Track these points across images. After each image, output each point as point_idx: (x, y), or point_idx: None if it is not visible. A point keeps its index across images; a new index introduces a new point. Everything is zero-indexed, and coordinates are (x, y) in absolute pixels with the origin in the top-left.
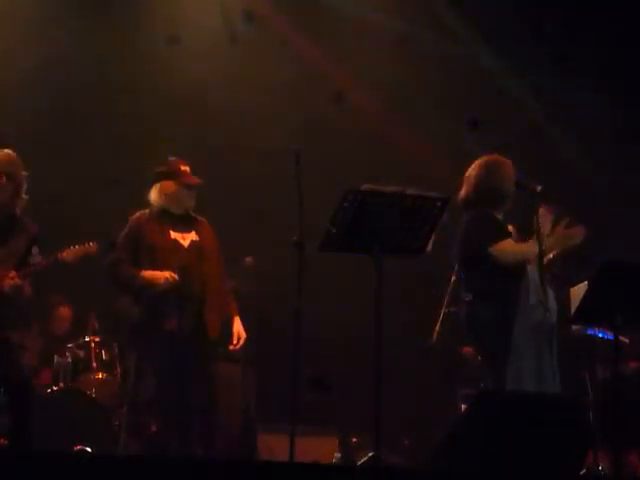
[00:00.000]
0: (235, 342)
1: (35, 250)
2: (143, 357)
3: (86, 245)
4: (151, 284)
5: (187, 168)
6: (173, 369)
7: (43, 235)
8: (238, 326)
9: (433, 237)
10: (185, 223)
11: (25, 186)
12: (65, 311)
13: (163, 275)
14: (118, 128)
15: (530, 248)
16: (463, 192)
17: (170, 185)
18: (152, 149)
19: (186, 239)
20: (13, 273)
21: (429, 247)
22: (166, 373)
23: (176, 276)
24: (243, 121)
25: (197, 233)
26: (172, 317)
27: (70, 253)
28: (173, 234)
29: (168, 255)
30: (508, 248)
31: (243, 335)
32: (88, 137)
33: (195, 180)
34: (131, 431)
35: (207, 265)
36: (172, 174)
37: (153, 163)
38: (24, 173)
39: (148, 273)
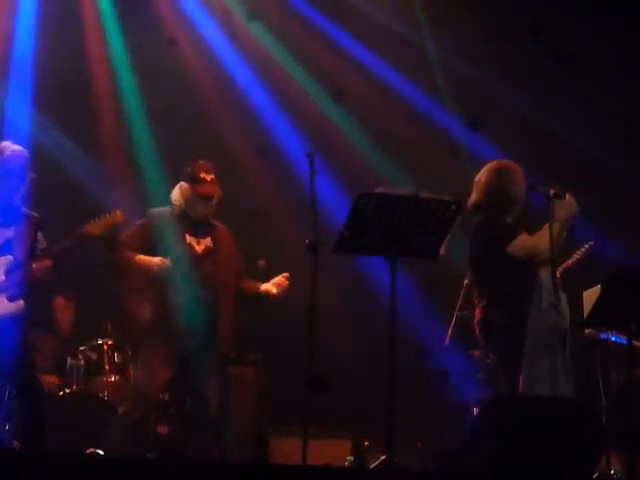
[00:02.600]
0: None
1: (40, 236)
2: (152, 357)
3: (110, 215)
4: (144, 268)
5: (208, 176)
6: (183, 372)
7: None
8: (264, 286)
9: (446, 240)
10: (202, 228)
11: (27, 185)
12: (60, 301)
13: (155, 261)
14: (118, 128)
15: (544, 235)
16: (473, 197)
17: (187, 189)
18: (153, 150)
19: (201, 245)
20: (45, 260)
21: (442, 250)
22: (176, 375)
23: (167, 262)
24: (245, 122)
25: (213, 240)
26: (182, 323)
27: (95, 226)
28: (188, 238)
29: (180, 261)
30: (525, 241)
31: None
32: (87, 139)
33: (209, 191)
34: (134, 429)
35: (220, 273)
36: (191, 179)
37: (154, 164)
38: (32, 175)
39: (141, 257)
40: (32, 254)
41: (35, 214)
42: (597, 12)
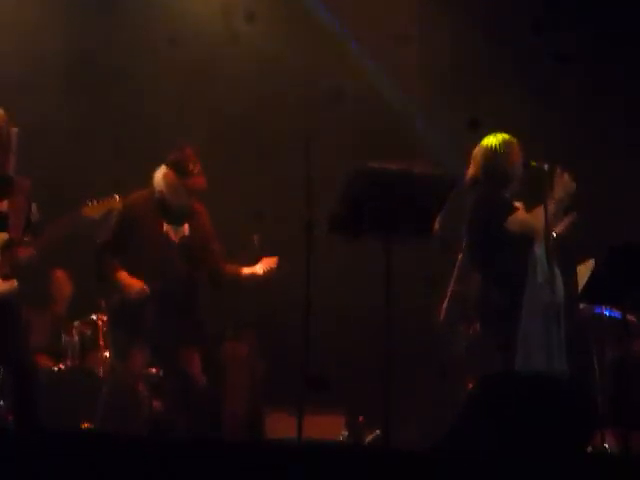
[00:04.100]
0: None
1: (34, 207)
2: (125, 340)
3: (107, 200)
4: (123, 290)
5: (196, 168)
6: (160, 351)
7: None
8: (248, 269)
9: (441, 217)
10: (181, 215)
11: (15, 142)
12: (60, 274)
13: (136, 288)
14: (117, 128)
15: (542, 212)
16: (470, 171)
17: (174, 180)
18: (153, 143)
19: (177, 234)
20: (30, 248)
21: (436, 227)
22: (154, 354)
23: (147, 290)
24: (244, 113)
25: (190, 227)
26: (152, 318)
27: (92, 209)
28: (166, 227)
29: (156, 250)
30: (523, 217)
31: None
32: (88, 132)
33: (198, 185)
34: (125, 407)
35: (193, 265)
36: (179, 169)
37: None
38: (14, 129)
39: (124, 278)
40: (26, 228)
41: (27, 181)
42: (597, 12)
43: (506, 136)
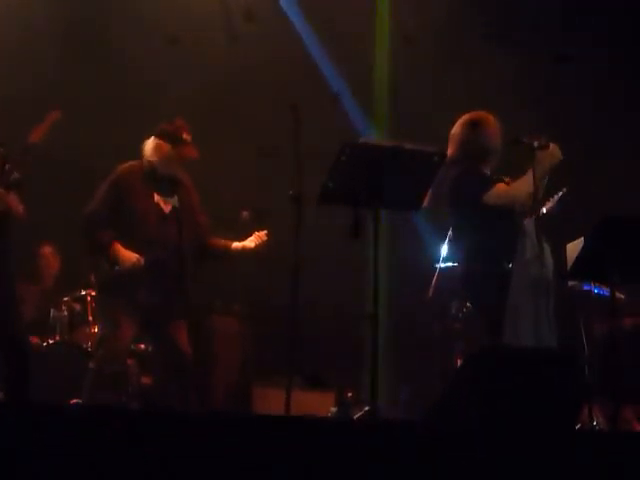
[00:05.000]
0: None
1: (8, 167)
2: (116, 312)
3: (48, 117)
4: (117, 261)
5: (189, 137)
6: (150, 325)
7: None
8: (238, 244)
9: (430, 192)
10: (170, 186)
11: None
12: (48, 249)
13: (131, 259)
14: (116, 96)
15: (523, 183)
16: (449, 150)
17: (166, 149)
18: (153, 110)
19: (168, 205)
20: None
21: (425, 202)
22: (144, 328)
23: (142, 261)
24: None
25: (179, 198)
26: (144, 289)
27: (37, 133)
28: (157, 197)
29: (147, 221)
30: (502, 190)
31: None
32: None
33: (192, 154)
34: (114, 381)
35: (184, 234)
36: (173, 139)
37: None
38: None
39: (118, 249)
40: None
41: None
42: (598, 12)
43: (483, 113)
